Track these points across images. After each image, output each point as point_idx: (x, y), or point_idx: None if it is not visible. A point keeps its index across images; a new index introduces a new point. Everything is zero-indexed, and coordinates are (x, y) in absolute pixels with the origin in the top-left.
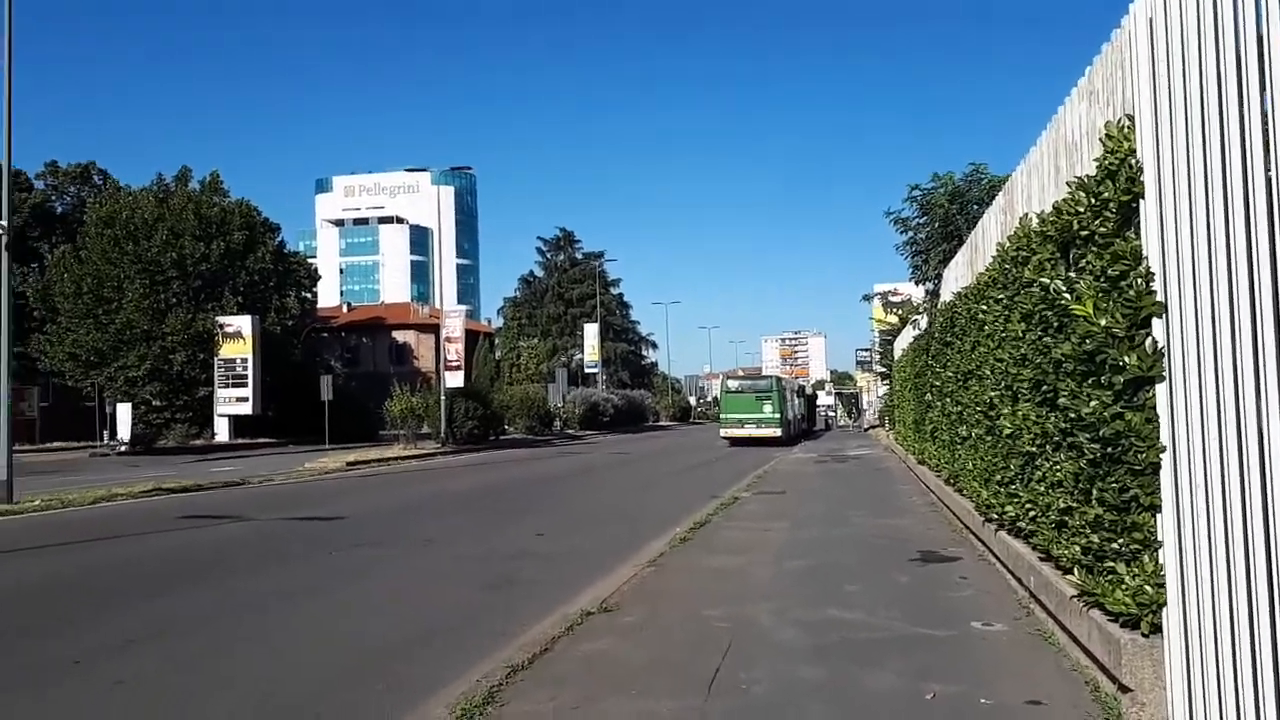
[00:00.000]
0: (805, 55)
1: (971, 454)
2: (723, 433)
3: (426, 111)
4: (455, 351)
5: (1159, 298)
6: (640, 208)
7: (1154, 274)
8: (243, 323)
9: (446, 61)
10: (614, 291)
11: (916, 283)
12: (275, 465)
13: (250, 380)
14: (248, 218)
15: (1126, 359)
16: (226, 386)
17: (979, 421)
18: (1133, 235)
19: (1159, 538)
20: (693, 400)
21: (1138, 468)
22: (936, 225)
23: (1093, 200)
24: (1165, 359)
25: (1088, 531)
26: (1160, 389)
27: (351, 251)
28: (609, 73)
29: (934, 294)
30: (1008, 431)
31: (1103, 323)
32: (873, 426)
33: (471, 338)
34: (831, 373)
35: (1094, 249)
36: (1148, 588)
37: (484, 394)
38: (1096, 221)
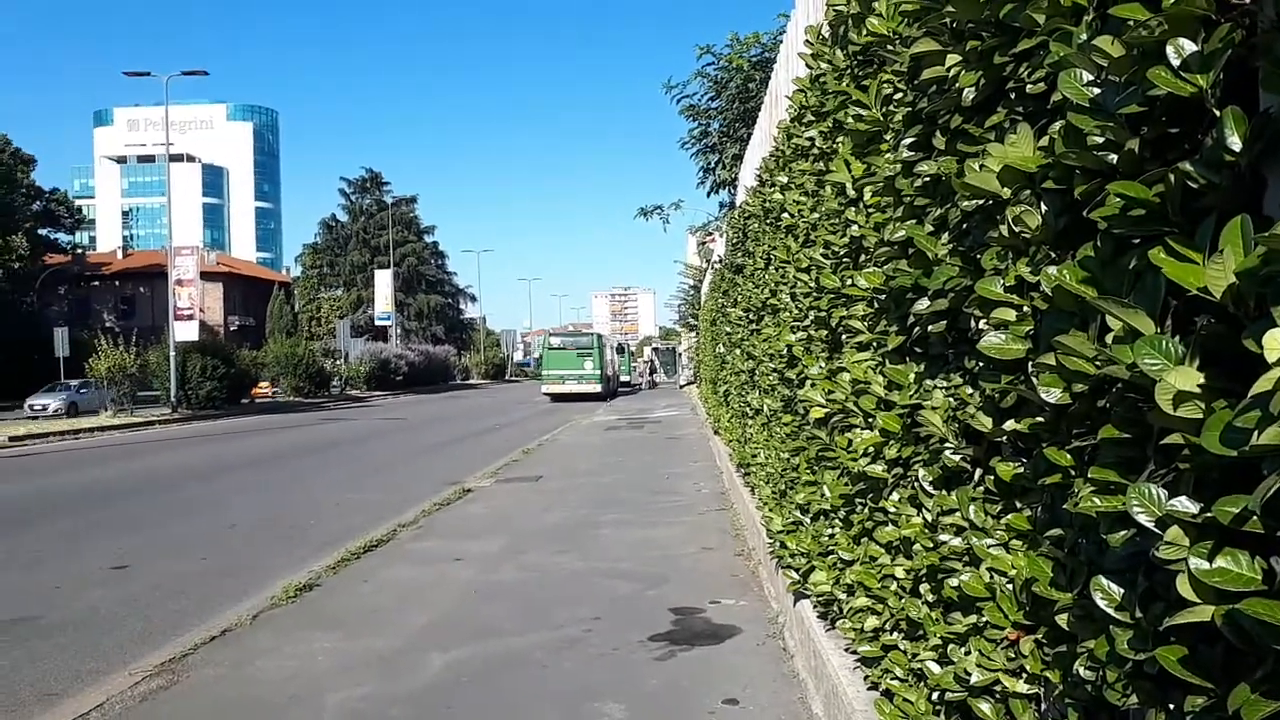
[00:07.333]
0: None
1: (764, 439)
2: (544, 389)
3: (226, 45)
4: (188, 298)
5: None
6: (467, 160)
7: None
8: None
9: None
10: (428, 240)
11: (709, 192)
12: None
13: None
14: None
15: None
16: None
17: (773, 387)
18: None
19: None
20: (519, 356)
21: None
22: (735, 106)
23: None
24: None
25: None
26: None
27: (136, 192)
28: (427, 13)
29: (730, 206)
30: (819, 414)
31: None
32: (690, 383)
33: (266, 287)
34: (660, 329)
35: None
36: None
37: (226, 350)
38: None
